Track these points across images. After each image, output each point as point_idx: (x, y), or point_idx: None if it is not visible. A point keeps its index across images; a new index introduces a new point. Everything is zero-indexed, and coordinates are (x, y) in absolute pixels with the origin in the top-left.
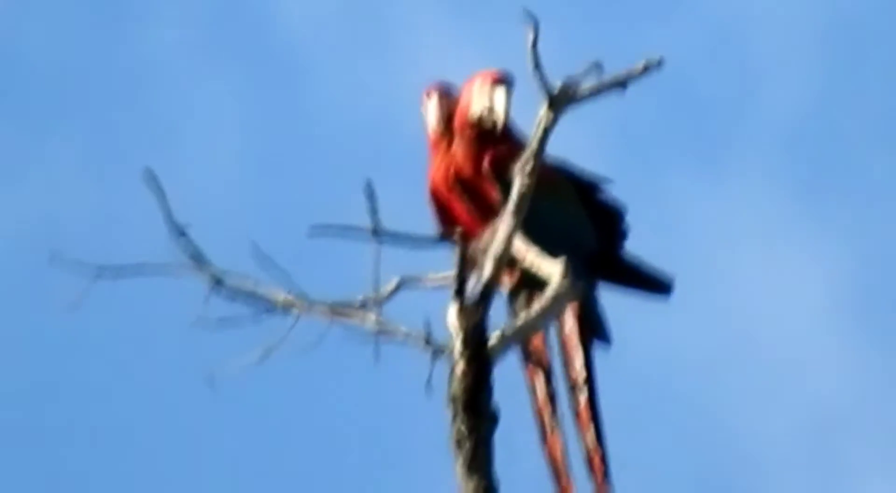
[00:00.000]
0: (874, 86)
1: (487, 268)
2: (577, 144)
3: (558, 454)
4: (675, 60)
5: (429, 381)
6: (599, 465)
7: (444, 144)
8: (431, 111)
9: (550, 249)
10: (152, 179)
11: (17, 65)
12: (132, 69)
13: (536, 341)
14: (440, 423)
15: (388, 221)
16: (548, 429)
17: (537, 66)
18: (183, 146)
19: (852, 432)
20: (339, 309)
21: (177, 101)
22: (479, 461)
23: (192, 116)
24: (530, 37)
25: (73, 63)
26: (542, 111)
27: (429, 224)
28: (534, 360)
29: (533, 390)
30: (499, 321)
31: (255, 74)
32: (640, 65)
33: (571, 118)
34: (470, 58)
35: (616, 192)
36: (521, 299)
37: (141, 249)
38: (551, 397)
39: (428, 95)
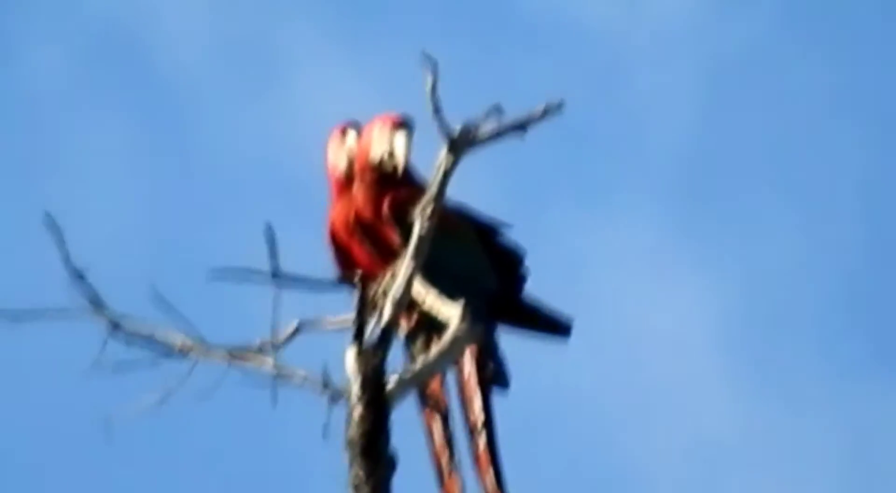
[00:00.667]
0: (753, 121)
1: (387, 311)
2: (467, 185)
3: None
4: (564, 99)
5: (326, 426)
6: None
7: (347, 186)
8: (335, 152)
9: (450, 292)
10: (51, 222)
11: None
12: (19, 109)
13: (434, 384)
14: (339, 468)
15: (288, 264)
16: (445, 473)
17: (437, 110)
18: (79, 188)
19: (739, 461)
20: (237, 353)
21: (68, 141)
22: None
23: (86, 158)
24: (429, 81)
25: None
26: (443, 154)
27: (328, 267)
28: (431, 404)
29: (430, 435)
30: (397, 365)
31: (144, 114)
32: (540, 108)
33: (467, 160)
34: (363, 96)
35: (512, 233)
36: (420, 342)
37: (39, 293)
38: (449, 441)
39: (333, 135)
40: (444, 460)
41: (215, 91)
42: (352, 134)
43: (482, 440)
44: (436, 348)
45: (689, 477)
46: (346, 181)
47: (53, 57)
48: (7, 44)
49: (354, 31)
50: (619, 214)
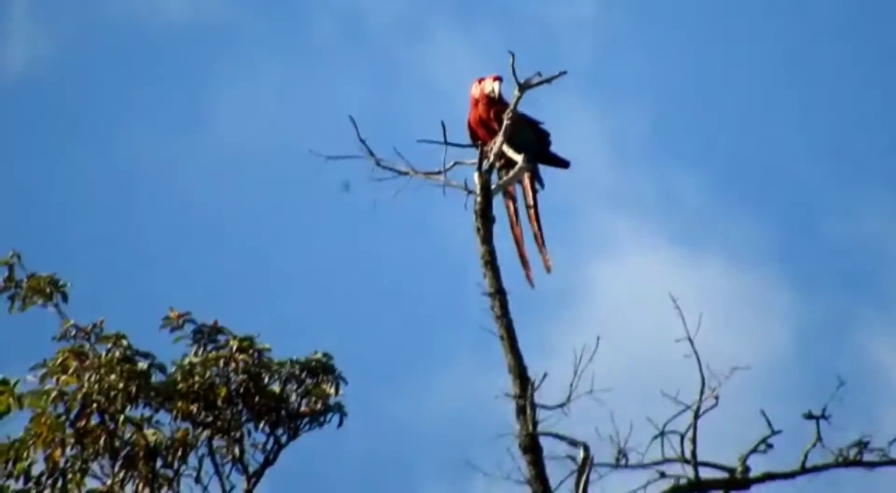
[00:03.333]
0: None
1: (491, 157)
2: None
3: (519, 237)
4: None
5: (465, 204)
6: (541, 242)
7: (475, 104)
8: (473, 88)
9: (517, 149)
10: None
11: None
12: None
13: (510, 188)
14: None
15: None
16: (513, 225)
17: (514, 72)
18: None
19: None
20: (429, 173)
21: None
22: (490, 237)
23: None
24: (511, 61)
25: None
26: (516, 91)
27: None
28: (508, 197)
29: (508, 210)
30: (494, 179)
31: None
32: (555, 72)
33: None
34: (479, 63)
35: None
36: (504, 170)
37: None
38: (516, 211)
39: (472, 82)
40: (513, 217)
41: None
42: (477, 83)
43: (532, 211)
44: (512, 172)
45: None
46: (475, 102)
47: None
48: None
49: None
50: None
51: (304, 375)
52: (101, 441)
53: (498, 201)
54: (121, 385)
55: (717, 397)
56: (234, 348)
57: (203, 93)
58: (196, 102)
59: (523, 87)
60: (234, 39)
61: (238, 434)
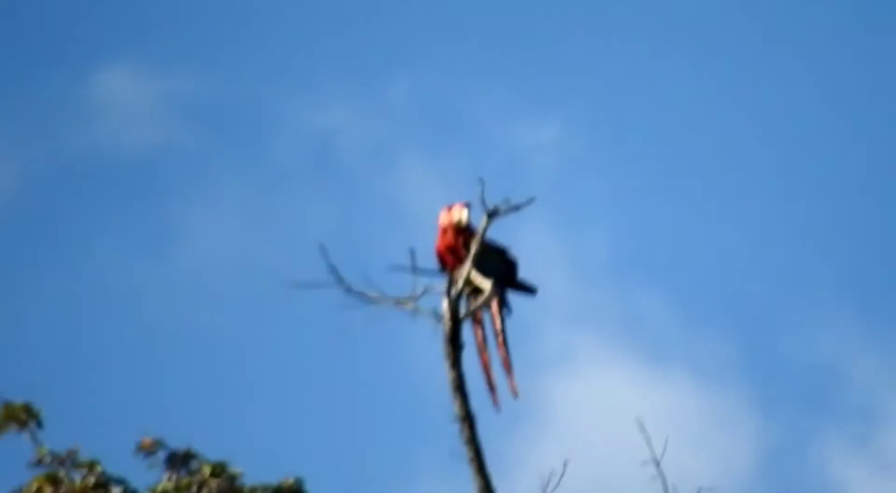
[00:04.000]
0: None
1: (459, 284)
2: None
3: (487, 363)
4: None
5: (435, 330)
6: (509, 367)
7: (444, 232)
8: (442, 216)
9: (486, 275)
10: (322, 248)
11: None
12: None
13: (479, 314)
14: (439, 349)
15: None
16: (481, 350)
17: (483, 201)
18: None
19: None
20: (399, 300)
21: None
22: (459, 363)
23: None
24: (482, 190)
25: None
26: (484, 219)
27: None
28: (476, 321)
29: (476, 337)
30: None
31: None
32: (524, 200)
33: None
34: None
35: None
36: (472, 297)
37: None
38: (484, 337)
39: (442, 210)
40: (481, 345)
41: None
42: (446, 210)
43: (500, 338)
44: (480, 298)
45: None
46: (443, 230)
47: None
48: None
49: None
50: None
51: None
52: None
53: (467, 327)
54: None
55: None
56: (207, 473)
57: (169, 217)
58: (163, 226)
59: (491, 214)
60: (199, 165)
61: None
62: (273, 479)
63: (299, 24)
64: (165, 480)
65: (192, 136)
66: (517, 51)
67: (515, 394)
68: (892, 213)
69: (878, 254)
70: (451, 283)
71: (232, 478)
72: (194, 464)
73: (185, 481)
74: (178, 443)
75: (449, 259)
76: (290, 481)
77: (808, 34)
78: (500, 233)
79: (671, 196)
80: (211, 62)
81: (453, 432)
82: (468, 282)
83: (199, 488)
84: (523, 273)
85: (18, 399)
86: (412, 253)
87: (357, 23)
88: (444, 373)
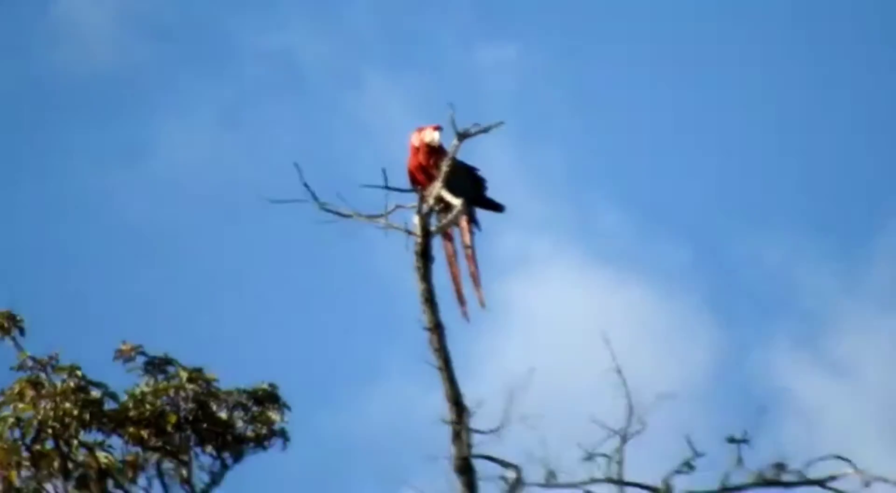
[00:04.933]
0: None
1: (430, 201)
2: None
3: (456, 275)
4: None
5: (406, 245)
6: (477, 280)
7: (415, 151)
8: (413, 136)
9: (455, 193)
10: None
11: None
12: None
13: (448, 230)
14: (410, 261)
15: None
16: (451, 264)
17: (453, 123)
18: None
19: None
20: (372, 216)
21: None
22: (429, 276)
23: None
24: (451, 115)
25: None
26: (455, 140)
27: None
28: (446, 237)
29: (446, 250)
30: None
31: None
32: (494, 122)
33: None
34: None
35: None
36: (442, 213)
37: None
38: (454, 252)
39: (413, 131)
40: (450, 258)
41: None
42: (417, 132)
43: (469, 251)
44: (450, 215)
45: None
46: (415, 150)
47: None
48: None
49: None
50: None
51: (250, 403)
52: (56, 464)
53: (437, 243)
54: (75, 412)
55: (643, 423)
56: (184, 378)
57: (143, 129)
58: (137, 137)
59: (462, 136)
60: (167, 81)
61: (186, 458)
62: (248, 384)
63: None
64: (143, 384)
65: (156, 54)
66: None
67: (483, 305)
68: (840, 130)
69: (827, 169)
70: (422, 200)
71: (208, 382)
72: (171, 369)
73: (162, 385)
74: (155, 349)
75: (420, 177)
76: (265, 386)
77: None
78: (463, 150)
79: (626, 114)
80: None
81: (423, 339)
82: (439, 199)
83: (176, 392)
84: (491, 192)
85: (0, 307)
86: (384, 172)
87: None
88: (415, 285)
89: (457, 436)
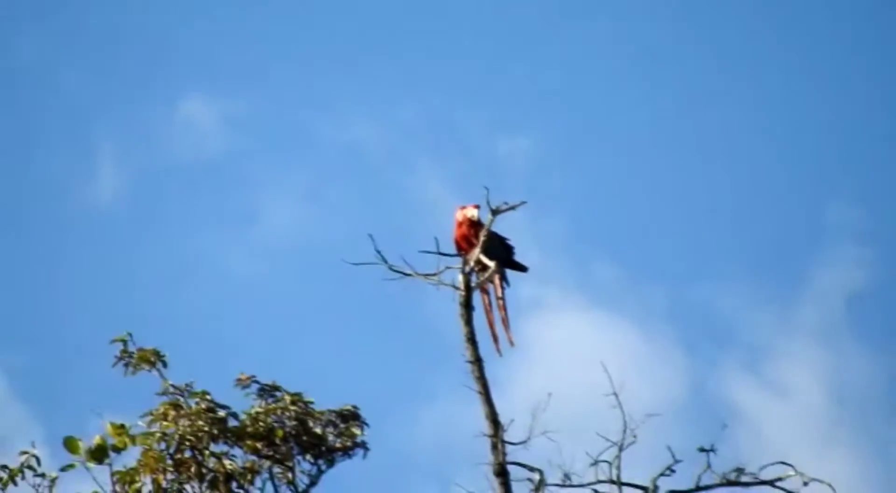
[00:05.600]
0: None
1: (471, 262)
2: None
3: (491, 321)
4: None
5: (453, 298)
6: (507, 324)
7: (460, 225)
8: (457, 212)
9: (491, 257)
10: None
11: None
12: None
13: (484, 285)
14: (455, 309)
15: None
16: (487, 312)
17: (488, 204)
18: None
19: None
20: (427, 275)
21: None
22: (471, 321)
23: None
24: (487, 198)
25: None
26: (489, 215)
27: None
28: (483, 291)
29: (483, 301)
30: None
31: None
32: (519, 201)
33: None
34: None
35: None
36: (479, 272)
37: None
38: (489, 303)
39: (457, 208)
40: (486, 306)
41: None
42: (460, 209)
43: (502, 305)
44: (486, 274)
45: None
46: (459, 223)
47: None
48: None
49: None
50: None
51: (338, 420)
52: (192, 469)
53: (476, 296)
54: (206, 428)
55: (635, 436)
56: (288, 401)
57: (247, 202)
58: (242, 208)
59: (495, 212)
60: (265, 166)
61: (291, 464)
62: (336, 405)
63: (324, 57)
64: (257, 406)
65: (255, 145)
66: (496, 80)
67: (512, 343)
68: (779, 192)
69: (763, 230)
70: (465, 263)
71: (306, 404)
72: (278, 394)
73: (271, 406)
74: (265, 378)
75: (463, 245)
76: (349, 407)
77: None
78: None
79: (615, 188)
80: (259, 87)
81: (466, 371)
82: (477, 262)
83: (282, 412)
84: (518, 256)
85: (148, 346)
86: (437, 241)
87: (372, 56)
88: (460, 329)
89: (494, 447)
